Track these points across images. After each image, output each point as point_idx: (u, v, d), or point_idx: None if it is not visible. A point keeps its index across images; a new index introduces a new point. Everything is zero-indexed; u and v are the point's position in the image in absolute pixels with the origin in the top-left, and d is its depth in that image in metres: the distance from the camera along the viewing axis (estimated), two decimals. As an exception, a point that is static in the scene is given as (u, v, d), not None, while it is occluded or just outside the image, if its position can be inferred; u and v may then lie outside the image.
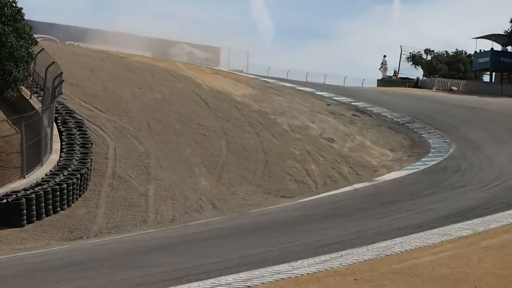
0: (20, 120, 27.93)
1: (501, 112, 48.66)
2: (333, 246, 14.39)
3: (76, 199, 25.67)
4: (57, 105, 31.76)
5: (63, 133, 30.02)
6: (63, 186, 24.67)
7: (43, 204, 23.72)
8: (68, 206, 25.00)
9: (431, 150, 38.23)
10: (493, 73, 70.40)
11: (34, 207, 23.34)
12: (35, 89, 33.66)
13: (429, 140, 40.54)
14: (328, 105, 46.78)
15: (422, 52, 74.49)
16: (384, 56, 72.16)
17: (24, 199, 23.08)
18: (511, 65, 67.95)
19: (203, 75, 48.55)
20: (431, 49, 74.73)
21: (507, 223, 15.51)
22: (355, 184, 31.23)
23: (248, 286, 9.89)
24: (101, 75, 41.45)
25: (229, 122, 37.47)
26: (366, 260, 11.50)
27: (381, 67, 71.82)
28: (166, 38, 65.87)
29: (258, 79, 53.82)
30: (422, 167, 34.01)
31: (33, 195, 23.50)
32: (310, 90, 51.96)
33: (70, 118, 31.85)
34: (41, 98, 31.92)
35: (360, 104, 48.17)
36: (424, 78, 71.29)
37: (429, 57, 74.53)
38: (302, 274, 10.58)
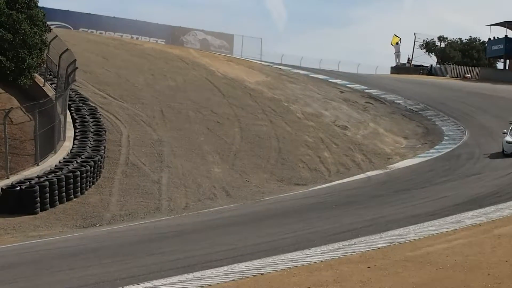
0: (34, 107, 27.93)
1: (515, 100, 48.46)
2: (346, 233, 14.40)
3: (90, 187, 25.71)
4: (71, 92, 31.81)
5: (77, 121, 30.06)
6: (76, 173, 24.70)
7: (56, 191, 23.75)
8: (82, 193, 25.04)
9: (445, 137, 38.14)
10: (507, 60, 70.11)
11: (48, 194, 23.36)
12: (48, 76, 33.69)
13: (443, 128, 40.45)
14: (342, 92, 46.71)
15: (436, 39, 74.28)
16: (397, 43, 71.98)
17: (37, 187, 23.12)
18: (526, 53, 67.68)
19: (217, 62, 48.53)
20: (445, 36, 74.56)
21: (521, 211, 15.49)
22: (369, 172, 31.18)
23: (261, 274, 9.90)
24: (114, 62, 41.46)
25: (243, 109, 37.45)
26: (379, 248, 11.50)
27: (395, 52, 71.75)
28: (179, 25, 65.86)
29: (271, 66, 53.77)
30: (436, 155, 33.94)
31: (47, 183, 23.52)
32: (323, 77, 51.91)
33: (84, 105, 31.89)
34: (55, 85, 31.97)
35: (373, 92, 48.09)
36: (437, 65, 71.08)
37: (442, 45, 74.28)
38: (315, 262, 10.59)
